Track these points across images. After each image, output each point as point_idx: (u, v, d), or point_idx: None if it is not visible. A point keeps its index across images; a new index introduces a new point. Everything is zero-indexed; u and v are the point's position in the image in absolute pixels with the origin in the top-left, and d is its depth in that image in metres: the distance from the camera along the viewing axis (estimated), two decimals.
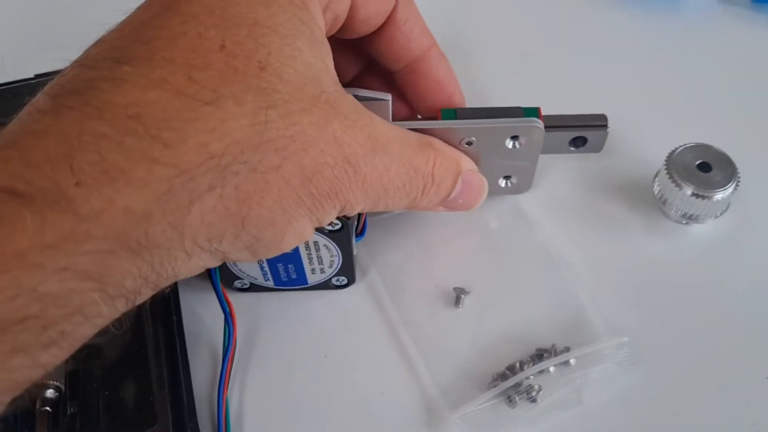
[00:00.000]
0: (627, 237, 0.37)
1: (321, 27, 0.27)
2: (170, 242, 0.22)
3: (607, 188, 0.39)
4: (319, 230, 0.31)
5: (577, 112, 0.34)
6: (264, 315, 0.35)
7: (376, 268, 0.36)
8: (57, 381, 0.30)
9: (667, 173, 0.35)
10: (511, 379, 0.32)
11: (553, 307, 0.35)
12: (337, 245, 0.32)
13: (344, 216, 0.30)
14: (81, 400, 0.30)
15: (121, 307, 0.22)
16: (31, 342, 0.20)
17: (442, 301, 0.35)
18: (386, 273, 0.36)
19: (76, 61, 0.23)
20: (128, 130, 0.21)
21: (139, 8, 0.25)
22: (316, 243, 0.32)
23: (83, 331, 0.22)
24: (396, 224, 0.37)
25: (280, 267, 0.33)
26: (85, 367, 0.31)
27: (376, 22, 0.31)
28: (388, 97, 0.32)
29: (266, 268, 0.33)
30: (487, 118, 0.33)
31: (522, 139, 0.33)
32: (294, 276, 0.34)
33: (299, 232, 0.26)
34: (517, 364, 0.32)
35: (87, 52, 0.24)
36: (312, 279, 0.34)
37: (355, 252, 0.34)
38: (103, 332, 0.22)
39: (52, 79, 0.23)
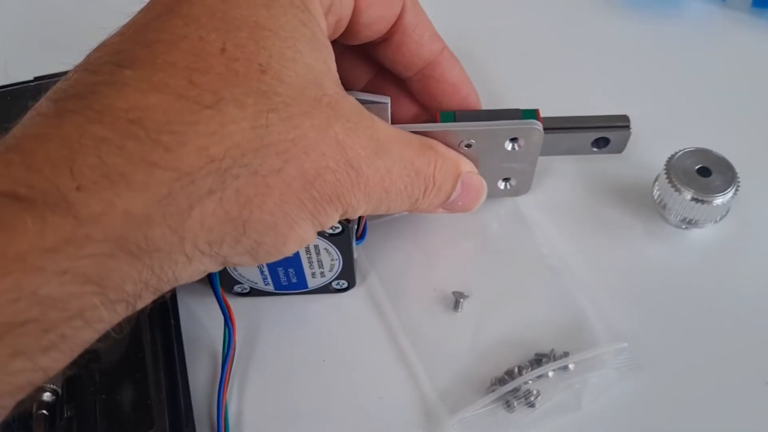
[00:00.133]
0: (626, 241, 0.37)
1: (323, 29, 0.27)
2: (170, 246, 0.22)
3: (607, 192, 0.39)
4: (320, 234, 0.31)
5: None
6: (263, 319, 0.35)
7: (375, 271, 0.36)
8: (54, 384, 0.29)
9: (667, 178, 0.35)
10: (510, 383, 0.32)
11: (552, 312, 0.35)
12: (338, 249, 0.32)
13: (345, 219, 0.30)
14: (78, 403, 0.30)
15: (122, 312, 0.22)
16: (32, 345, 0.20)
17: (441, 305, 0.35)
18: (385, 276, 0.36)
19: (78, 66, 0.23)
20: (129, 134, 0.21)
21: (140, 11, 0.25)
22: (316, 247, 0.32)
23: (84, 336, 0.22)
24: (395, 227, 0.37)
25: (281, 271, 0.33)
26: (82, 371, 0.30)
27: (381, 27, 0.31)
28: (387, 99, 0.32)
29: (266, 273, 0.33)
30: (486, 120, 0.33)
31: (521, 141, 0.33)
32: (294, 280, 0.34)
33: (301, 237, 0.26)
34: (516, 369, 0.32)
35: (89, 56, 0.24)
36: (312, 283, 0.34)
37: (355, 255, 0.34)
38: (103, 337, 0.22)
39: (51, 81, 0.23)
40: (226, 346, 0.31)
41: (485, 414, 0.31)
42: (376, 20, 0.30)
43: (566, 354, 0.33)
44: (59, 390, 0.30)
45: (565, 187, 0.39)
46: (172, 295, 0.34)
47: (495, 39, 0.46)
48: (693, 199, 0.35)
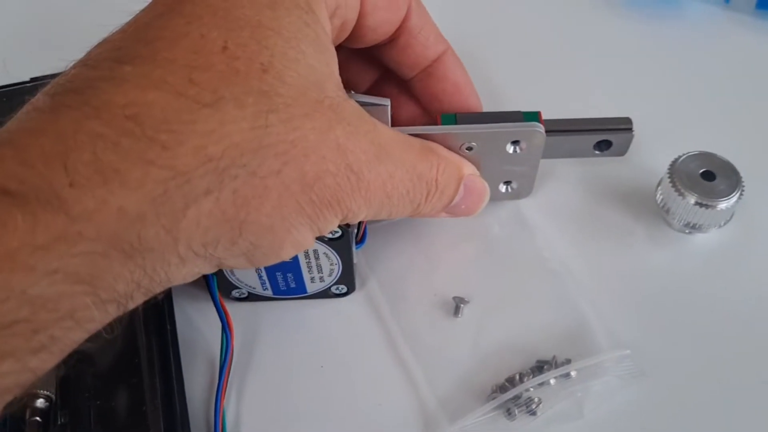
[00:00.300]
0: (629, 246, 0.37)
1: (327, 31, 0.26)
2: (164, 246, 0.22)
3: (610, 196, 0.39)
4: (319, 238, 0.30)
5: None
6: (261, 324, 0.35)
7: (375, 276, 0.36)
8: (48, 390, 0.29)
9: (670, 182, 0.35)
10: (511, 391, 0.31)
11: (554, 318, 0.34)
12: (337, 253, 0.32)
13: (345, 224, 0.30)
14: (72, 409, 0.29)
15: (113, 312, 0.22)
16: (21, 346, 0.20)
17: (442, 311, 0.35)
18: (385, 281, 0.36)
19: (78, 61, 0.23)
20: (125, 131, 0.21)
21: (143, 10, 0.25)
22: (315, 251, 0.32)
23: (74, 336, 0.21)
24: (395, 231, 0.37)
25: (279, 276, 0.33)
26: (76, 376, 0.30)
27: (386, 30, 0.31)
28: (387, 102, 0.31)
29: (264, 277, 0.33)
30: (488, 122, 0.32)
31: (523, 144, 0.33)
32: (293, 285, 0.34)
33: (298, 241, 0.25)
34: (517, 376, 0.32)
35: (89, 53, 0.24)
36: (311, 288, 0.34)
37: (355, 260, 0.33)
38: (94, 337, 0.22)
39: (48, 82, 0.23)
40: (223, 352, 0.31)
41: (486, 422, 0.31)
42: (381, 24, 0.30)
43: (568, 361, 0.32)
44: (53, 396, 0.29)
45: (568, 191, 0.39)
46: (168, 299, 0.33)
47: (496, 40, 0.46)
48: (697, 203, 0.35)
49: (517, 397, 0.31)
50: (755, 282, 0.35)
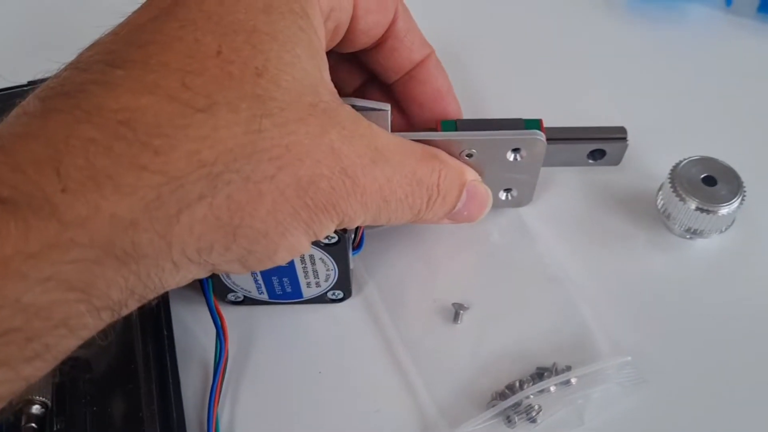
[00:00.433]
0: (630, 252, 0.37)
1: (320, 37, 0.26)
2: (157, 252, 0.22)
3: (610, 202, 0.38)
4: (315, 243, 0.30)
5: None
6: (258, 329, 0.34)
7: (373, 281, 0.36)
8: (43, 396, 0.29)
9: (671, 187, 0.35)
10: (511, 398, 0.31)
11: (554, 324, 0.34)
12: (333, 259, 0.32)
13: (342, 229, 0.30)
14: (68, 416, 0.29)
15: (107, 319, 0.22)
16: (15, 355, 0.20)
17: (441, 317, 0.35)
18: (383, 287, 0.36)
19: (69, 64, 0.23)
20: (118, 136, 0.21)
21: (136, 12, 0.25)
22: (311, 256, 0.31)
23: (67, 344, 0.21)
24: (394, 237, 0.37)
25: (275, 280, 0.33)
26: (72, 382, 0.30)
27: (376, 33, 0.31)
28: (387, 107, 0.31)
29: (260, 281, 0.33)
30: (488, 129, 0.32)
31: (523, 152, 0.33)
32: (289, 289, 0.33)
33: (293, 246, 0.25)
34: (517, 383, 0.32)
35: (81, 55, 0.23)
36: (307, 293, 0.34)
37: (351, 266, 0.33)
38: (87, 344, 0.22)
39: None
40: (217, 357, 0.31)
41: (485, 429, 0.31)
42: (372, 26, 0.30)
43: (568, 368, 0.32)
44: (49, 402, 0.29)
45: (567, 197, 0.39)
46: (165, 305, 0.33)
47: (495, 45, 0.46)
48: (698, 208, 0.34)
49: (517, 405, 0.31)
50: (757, 288, 0.35)
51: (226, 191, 0.22)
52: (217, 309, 0.31)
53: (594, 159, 0.35)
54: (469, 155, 0.32)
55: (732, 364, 0.33)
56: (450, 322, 0.34)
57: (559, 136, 0.33)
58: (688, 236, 0.36)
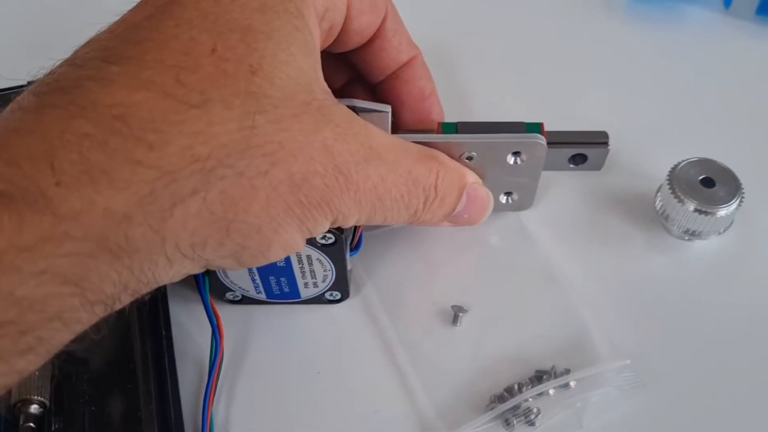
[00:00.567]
0: (628, 253, 0.37)
1: (314, 36, 0.27)
2: (151, 246, 0.22)
3: (609, 203, 0.38)
4: (312, 244, 0.30)
5: (578, 126, 0.34)
6: (255, 328, 0.34)
7: (371, 282, 0.36)
8: (42, 396, 0.29)
9: (670, 188, 0.35)
10: (510, 401, 0.31)
11: (553, 327, 0.34)
12: (330, 259, 0.32)
13: (338, 229, 0.30)
14: (66, 415, 0.29)
15: (100, 313, 0.22)
16: (8, 348, 0.20)
17: (440, 319, 0.35)
18: (382, 288, 0.36)
19: (65, 61, 0.23)
20: (112, 131, 0.21)
21: (132, 10, 0.25)
22: (309, 257, 0.31)
23: (61, 337, 0.21)
24: (394, 238, 0.37)
25: (272, 280, 0.33)
26: (70, 382, 0.30)
27: (368, 34, 0.31)
28: (388, 108, 0.31)
29: (258, 281, 0.33)
30: (489, 132, 0.32)
31: (524, 155, 0.33)
32: (286, 289, 0.33)
33: (287, 242, 0.25)
34: (516, 386, 0.32)
35: (76, 52, 0.24)
36: (305, 293, 0.34)
37: (349, 267, 0.33)
38: (80, 338, 0.22)
39: None
40: (213, 356, 0.31)
41: None
42: (365, 27, 0.30)
43: (567, 371, 0.32)
44: (47, 402, 0.29)
45: (566, 199, 0.39)
46: (164, 304, 0.33)
47: (494, 46, 0.46)
48: (696, 210, 0.34)
49: (515, 408, 0.31)
50: (755, 289, 0.35)
51: (219, 186, 0.22)
52: (212, 308, 0.31)
53: (575, 164, 0.35)
54: (470, 158, 0.32)
55: (731, 367, 0.33)
56: (449, 325, 0.34)
57: None
58: (686, 238, 0.36)
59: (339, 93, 0.35)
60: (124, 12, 0.25)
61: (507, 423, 0.31)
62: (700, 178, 0.35)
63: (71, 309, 0.21)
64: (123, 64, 0.22)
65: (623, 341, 0.33)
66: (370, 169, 0.26)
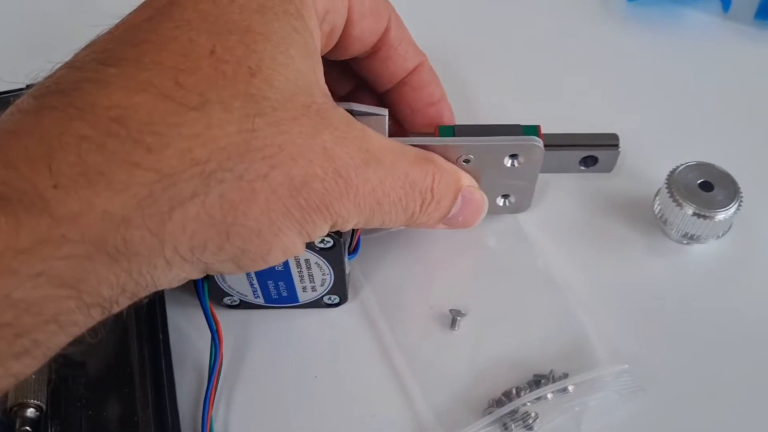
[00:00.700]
0: (627, 257, 0.37)
1: (315, 38, 0.27)
2: (149, 249, 0.22)
3: (607, 207, 0.38)
4: (311, 248, 0.30)
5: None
6: (253, 333, 0.34)
7: (370, 286, 0.36)
8: (38, 400, 0.29)
9: (668, 192, 0.35)
10: (507, 405, 0.31)
11: (552, 331, 0.34)
12: (329, 263, 0.32)
13: (336, 233, 0.30)
14: (63, 419, 0.29)
15: (97, 316, 0.22)
16: (4, 351, 0.20)
17: (438, 323, 0.35)
18: (380, 292, 0.36)
19: (64, 64, 0.23)
20: (110, 133, 0.21)
21: (131, 13, 0.25)
22: (307, 261, 0.31)
23: (57, 340, 0.21)
24: (391, 242, 0.37)
25: (271, 284, 0.33)
26: (67, 386, 0.30)
27: (370, 40, 0.31)
28: (385, 112, 0.31)
29: (256, 285, 0.33)
30: (486, 135, 0.32)
31: (521, 158, 0.33)
32: (284, 294, 0.33)
33: (287, 246, 0.25)
34: (514, 390, 0.32)
35: (76, 55, 0.24)
36: (303, 297, 0.34)
37: (347, 270, 0.33)
38: (77, 341, 0.22)
39: None
40: (212, 361, 0.31)
41: None
42: (366, 33, 0.30)
43: (566, 375, 0.32)
44: (43, 406, 0.29)
45: (565, 202, 0.39)
46: (161, 308, 0.33)
47: (491, 53, 0.46)
48: (695, 214, 0.34)
49: (513, 412, 0.31)
50: (754, 293, 0.35)
51: (218, 189, 0.22)
52: (212, 313, 0.30)
53: (586, 166, 0.35)
54: (467, 161, 0.32)
55: (730, 371, 0.33)
56: (447, 328, 0.34)
57: (551, 143, 0.33)
58: (685, 242, 0.36)
59: (343, 100, 0.35)
60: (123, 14, 0.25)
61: (505, 427, 0.31)
62: (699, 181, 0.35)
63: (68, 312, 0.21)
64: (121, 66, 0.22)
65: (621, 345, 0.33)
66: (369, 172, 0.26)
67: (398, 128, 0.35)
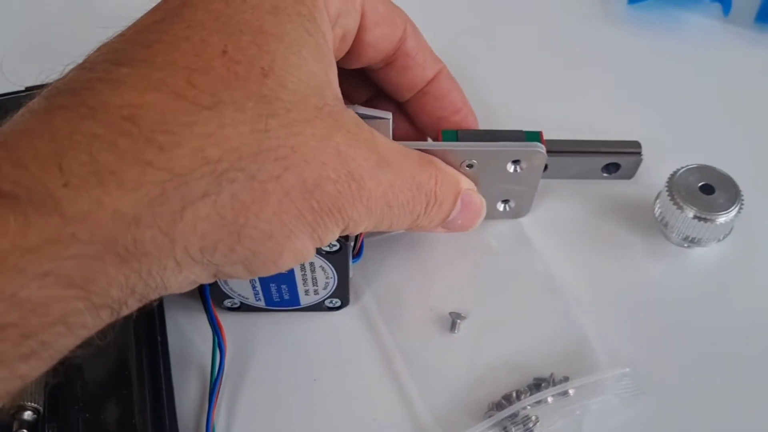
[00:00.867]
0: (627, 260, 0.37)
1: (327, 40, 0.26)
2: (160, 250, 0.21)
3: (608, 210, 0.38)
4: (317, 251, 0.30)
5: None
6: (253, 336, 0.34)
7: (370, 290, 0.36)
8: (36, 402, 0.29)
9: (669, 195, 0.35)
10: (508, 409, 0.31)
11: (552, 334, 0.34)
12: (334, 267, 0.31)
13: (343, 237, 0.29)
14: (60, 422, 0.29)
15: (106, 318, 0.21)
16: (10, 352, 0.19)
17: (438, 326, 0.34)
18: (380, 295, 0.35)
19: (76, 65, 0.23)
20: (122, 132, 0.21)
21: (143, 15, 0.25)
22: (311, 264, 0.31)
23: (65, 342, 0.21)
24: (391, 245, 0.37)
25: (273, 287, 0.32)
26: (65, 388, 0.30)
27: (384, 48, 0.31)
28: (389, 115, 0.31)
29: (258, 288, 0.32)
30: (489, 141, 0.32)
31: (523, 164, 0.33)
32: (286, 296, 0.33)
33: (298, 250, 0.25)
34: (514, 394, 0.32)
35: (87, 56, 0.23)
36: (305, 300, 0.34)
37: (351, 274, 0.33)
38: (86, 344, 0.21)
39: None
40: (216, 364, 0.30)
41: None
42: (380, 40, 0.30)
43: (566, 379, 0.32)
44: (41, 408, 0.29)
45: (565, 205, 0.39)
46: (160, 311, 0.33)
47: (495, 57, 0.46)
48: (695, 217, 0.34)
49: (514, 415, 0.31)
50: (754, 296, 0.35)
51: (230, 189, 0.22)
52: (216, 316, 0.30)
53: (608, 173, 0.35)
54: (470, 165, 0.32)
55: (730, 374, 0.33)
56: (447, 332, 0.34)
57: (574, 149, 0.34)
58: (685, 245, 0.36)
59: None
60: (128, 16, 0.25)
61: (505, 431, 0.31)
62: (700, 184, 0.35)
63: (76, 313, 0.20)
64: (133, 66, 0.22)
65: (622, 348, 0.33)
66: (381, 175, 0.26)
67: (420, 136, 0.36)
